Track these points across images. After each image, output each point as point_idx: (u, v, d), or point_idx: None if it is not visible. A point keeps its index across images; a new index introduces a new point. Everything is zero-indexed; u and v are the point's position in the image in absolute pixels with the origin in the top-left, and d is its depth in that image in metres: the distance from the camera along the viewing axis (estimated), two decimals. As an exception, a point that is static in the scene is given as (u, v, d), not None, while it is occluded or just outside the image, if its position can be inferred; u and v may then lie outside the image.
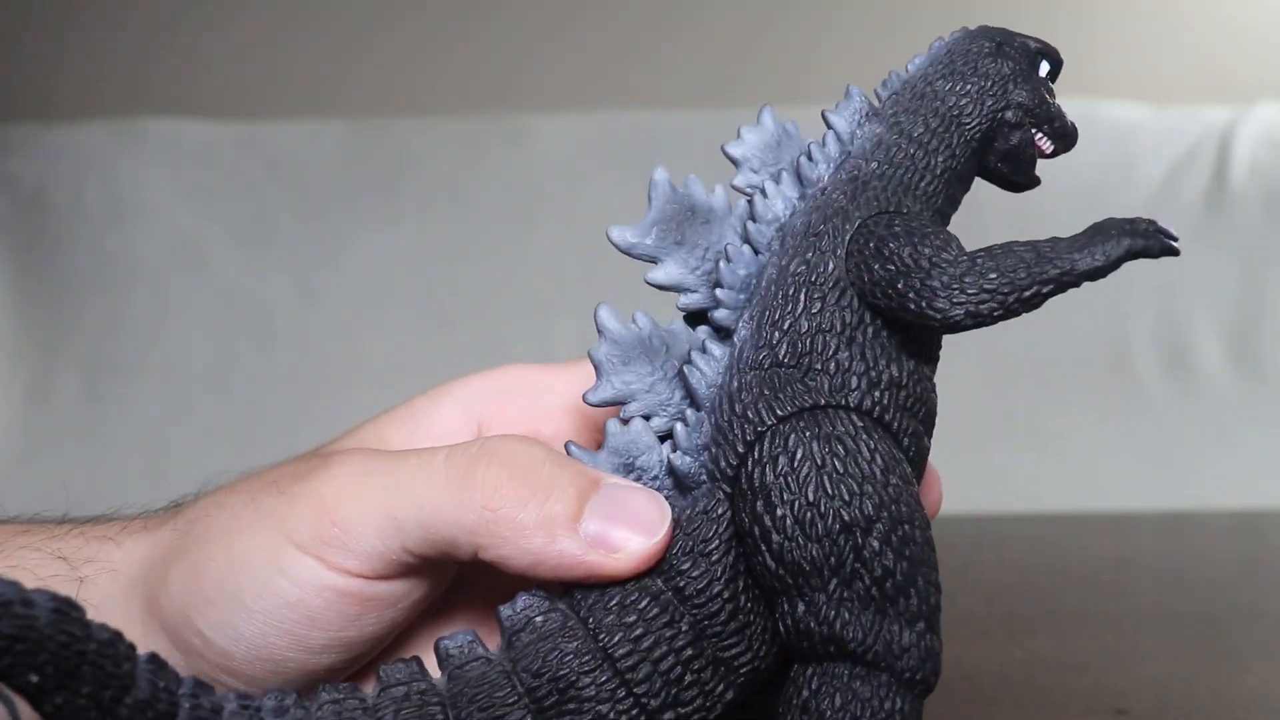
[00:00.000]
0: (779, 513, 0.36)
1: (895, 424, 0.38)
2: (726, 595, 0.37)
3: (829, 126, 0.40)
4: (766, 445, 0.36)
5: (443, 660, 0.37)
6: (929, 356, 0.39)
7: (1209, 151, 1.37)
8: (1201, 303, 1.32)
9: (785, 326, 0.38)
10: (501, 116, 1.45)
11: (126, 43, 1.56)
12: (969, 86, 0.41)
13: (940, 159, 0.40)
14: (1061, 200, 1.41)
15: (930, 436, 0.39)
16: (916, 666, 0.36)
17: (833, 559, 0.36)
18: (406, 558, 0.36)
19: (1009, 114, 0.42)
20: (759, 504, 0.36)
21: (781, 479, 0.36)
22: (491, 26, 1.54)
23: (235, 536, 0.37)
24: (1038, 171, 0.44)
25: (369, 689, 0.36)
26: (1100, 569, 0.82)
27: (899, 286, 0.37)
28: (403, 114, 1.48)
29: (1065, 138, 0.44)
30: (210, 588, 0.36)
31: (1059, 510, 1.00)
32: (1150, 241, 0.38)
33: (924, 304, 0.36)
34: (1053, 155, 0.44)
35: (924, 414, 0.39)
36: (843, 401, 0.37)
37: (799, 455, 0.36)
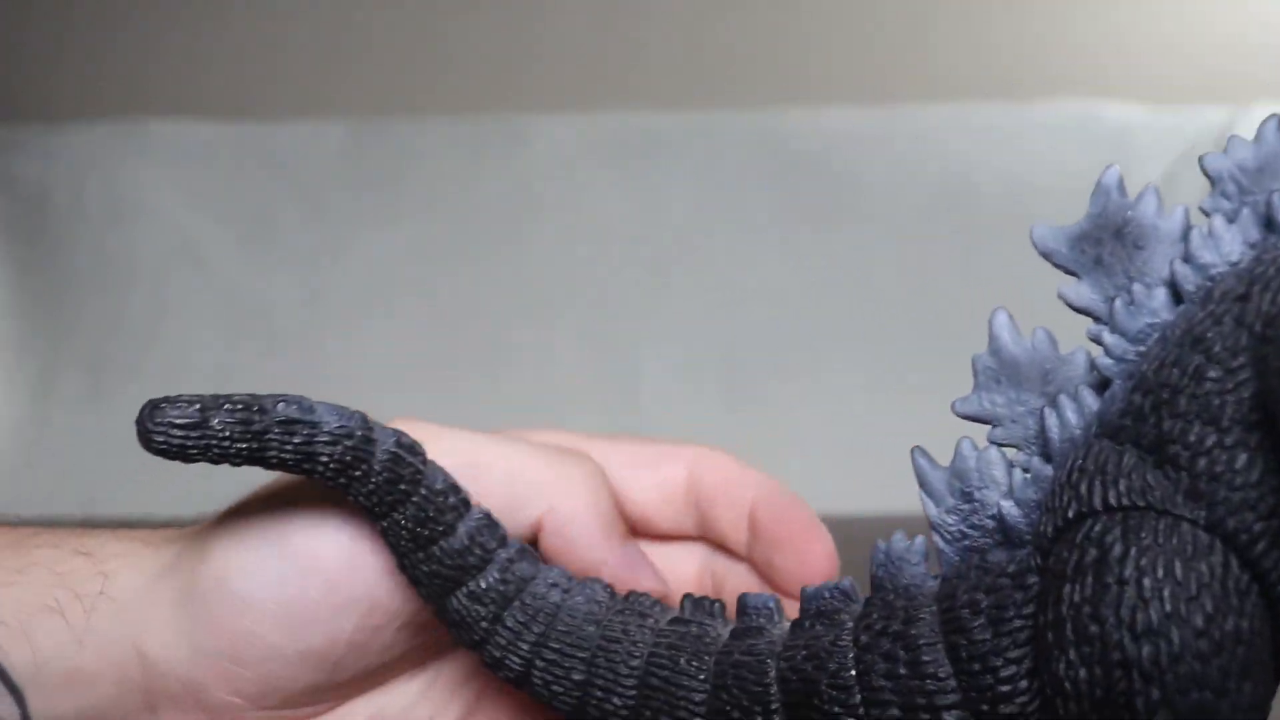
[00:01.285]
0: (1065, 615, 0.30)
1: (1272, 566, 0.29)
2: (1006, 675, 0.32)
3: None
4: (1080, 531, 0.31)
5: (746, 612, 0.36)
6: None
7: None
8: (1201, 303, 1.32)
9: (1159, 397, 0.31)
10: (501, 116, 1.45)
11: (127, 43, 1.56)
12: None
13: None
14: (1061, 200, 1.41)
15: None
16: None
17: (1099, 692, 0.29)
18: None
19: None
20: (1052, 594, 0.31)
21: (1080, 578, 0.30)
22: (491, 26, 1.55)
23: (281, 499, 0.37)
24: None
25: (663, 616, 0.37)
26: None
27: None
28: (403, 114, 1.49)
29: None
30: (253, 541, 0.37)
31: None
32: None
33: None
34: None
35: None
36: (1192, 514, 0.29)
37: (1109, 559, 0.30)
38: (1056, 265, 0.34)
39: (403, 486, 0.35)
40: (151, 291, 1.35)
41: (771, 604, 0.36)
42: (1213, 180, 0.33)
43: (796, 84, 1.49)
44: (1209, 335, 0.30)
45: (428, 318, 1.35)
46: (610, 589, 0.38)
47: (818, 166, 1.30)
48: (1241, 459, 0.29)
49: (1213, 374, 0.30)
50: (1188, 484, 0.30)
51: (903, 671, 0.33)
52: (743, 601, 0.37)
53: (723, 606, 0.37)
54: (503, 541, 0.37)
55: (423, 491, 0.36)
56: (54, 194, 1.41)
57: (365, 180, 1.41)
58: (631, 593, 0.38)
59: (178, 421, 0.34)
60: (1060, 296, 0.34)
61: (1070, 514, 0.31)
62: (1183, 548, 0.29)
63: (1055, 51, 1.39)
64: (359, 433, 0.35)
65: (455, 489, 0.36)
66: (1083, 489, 0.31)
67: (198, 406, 0.34)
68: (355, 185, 1.41)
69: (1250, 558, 0.29)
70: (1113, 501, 0.30)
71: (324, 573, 0.37)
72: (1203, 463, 0.30)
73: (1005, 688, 0.32)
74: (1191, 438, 0.30)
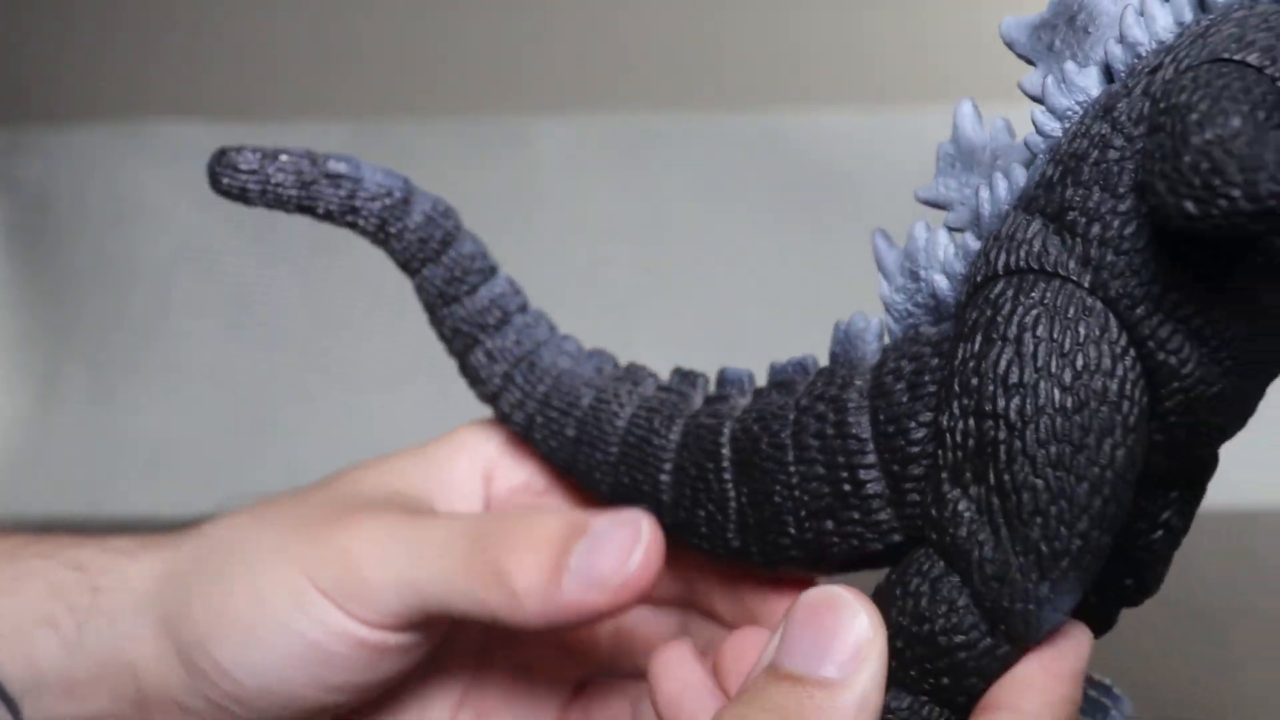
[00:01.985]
0: (954, 371, 0.31)
1: (1151, 332, 0.30)
2: (917, 436, 0.33)
3: None
4: (982, 294, 0.32)
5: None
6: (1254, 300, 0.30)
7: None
8: (1200, 303, 1.32)
9: (1068, 166, 0.31)
10: (502, 117, 1.45)
11: (128, 43, 1.56)
12: None
13: None
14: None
15: (1239, 382, 0.31)
16: (1002, 600, 0.31)
17: (971, 442, 0.31)
18: (424, 617, 0.37)
19: None
20: (951, 353, 0.32)
21: (972, 336, 0.31)
22: (491, 27, 1.55)
23: (260, 573, 0.37)
24: None
25: None
26: (1098, 568, 0.82)
27: (1150, 164, 0.28)
28: (403, 114, 1.49)
29: None
30: (231, 621, 0.37)
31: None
32: None
33: (1162, 187, 0.27)
34: None
35: (1220, 349, 0.30)
36: (1080, 277, 0.30)
37: (998, 317, 0.31)
38: (1018, 55, 0.34)
39: (434, 246, 0.40)
40: (153, 291, 1.35)
41: (745, 377, 0.39)
42: None
43: (797, 85, 1.49)
44: (1117, 105, 0.30)
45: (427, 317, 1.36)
46: (615, 362, 0.42)
47: (818, 167, 1.31)
48: (1131, 226, 0.30)
49: (1116, 142, 0.30)
50: (1080, 249, 0.30)
51: (829, 432, 0.35)
52: (722, 373, 0.40)
53: (707, 380, 0.40)
54: (523, 307, 0.42)
55: (452, 253, 0.41)
56: (55, 194, 1.41)
57: (366, 180, 1.41)
58: (631, 364, 0.41)
59: (241, 166, 0.38)
60: (1019, 87, 0.34)
61: (979, 279, 0.32)
62: (1065, 308, 0.30)
63: (1055, 52, 1.38)
64: (398, 194, 0.40)
65: (484, 255, 0.41)
66: (991, 255, 0.32)
67: (260, 155, 0.38)
68: (356, 185, 1.41)
69: (1130, 321, 0.30)
70: (1012, 265, 0.31)
71: (301, 664, 0.37)
72: (1095, 228, 0.30)
73: (914, 449, 0.33)
74: (1089, 204, 0.30)
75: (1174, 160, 0.26)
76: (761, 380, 0.39)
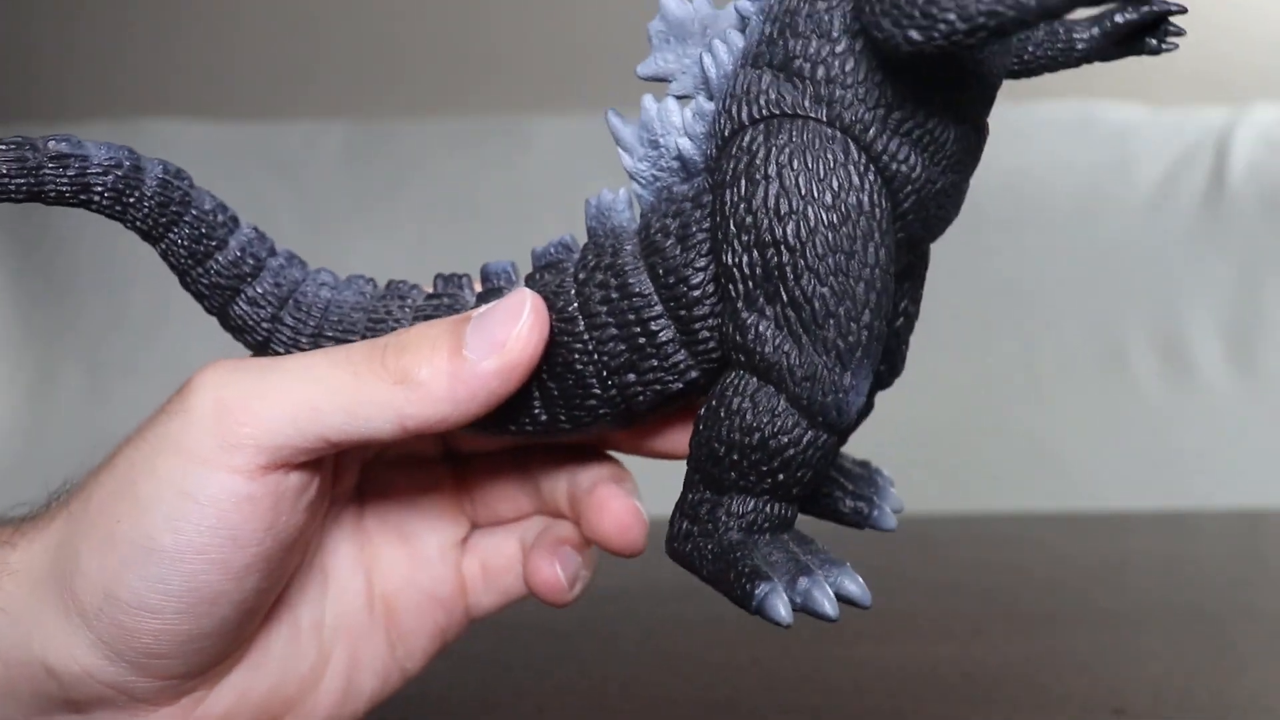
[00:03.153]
0: (728, 215, 0.36)
1: (883, 149, 0.35)
2: (696, 281, 0.37)
3: None
4: (734, 144, 0.36)
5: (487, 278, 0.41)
6: (955, 98, 0.36)
7: (1207, 152, 1.38)
8: (1199, 302, 1.32)
9: (784, 23, 0.36)
10: (502, 117, 1.45)
11: (127, 43, 1.56)
12: None
13: None
14: (1059, 201, 1.41)
15: (954, 178, 0.37)
16: (816, 396, 0.35)
17: (759, 271, 0.35)
18: (319, 445, 0.37)
19: None
20: (717, 201, 0.36)
21: (736, 182, 0.36)
22: (492, 27, 1.55)
23: (136, 485, 0.37)
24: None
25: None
26: (1098, 568, 0.82)
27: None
28: (404, 115, 1.49)
29: None
30: (126, 549, 0.36)
31: (1056, 510, 1.01)
32: None
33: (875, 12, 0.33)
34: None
35: (937, 153, 0.36)
36: (817, 113, 0.35)
37: (756, 161, 0.36)
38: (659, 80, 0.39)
39: (174, 208, 0.39)
40: (151, 291, 1.35)
41: (510, 268, 0.41)
42: None
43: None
44: None
45: (428, 318, 1.36)
46: (374, 282, 0.42)
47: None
48: (850, 63, 0.35)
49: None
50: (811, 90, 0.36)
51: (614, 296, 0.38)
52: (484, 269, 0.41)
53: (470, 279, 0.41)
54: (272, 251, 0.41)
55: (193, 211, 0.39)
56: (54, 194, 1.41)
57: (365, 181, 1.41)
58: (392, 280, 0.42)
59: None
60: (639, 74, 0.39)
61: (726, 133, 0.37)
62: (812, 141, 0.35)
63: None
64: (127, 163, 0.38)
65: (223, 208, 0.40)
66: (734, 110, 0.36)
67: None
68: (355, 186, 1.41)
69: (865, 143, 0.35)
70: (756, 114, 0.36)
71: (207, 554, 0.36)
72: (820, 70, 0.36)
73: (696, 292, 0.37)
74: (811, 50, 0.36)
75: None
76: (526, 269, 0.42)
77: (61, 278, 1.38)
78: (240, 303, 0.41)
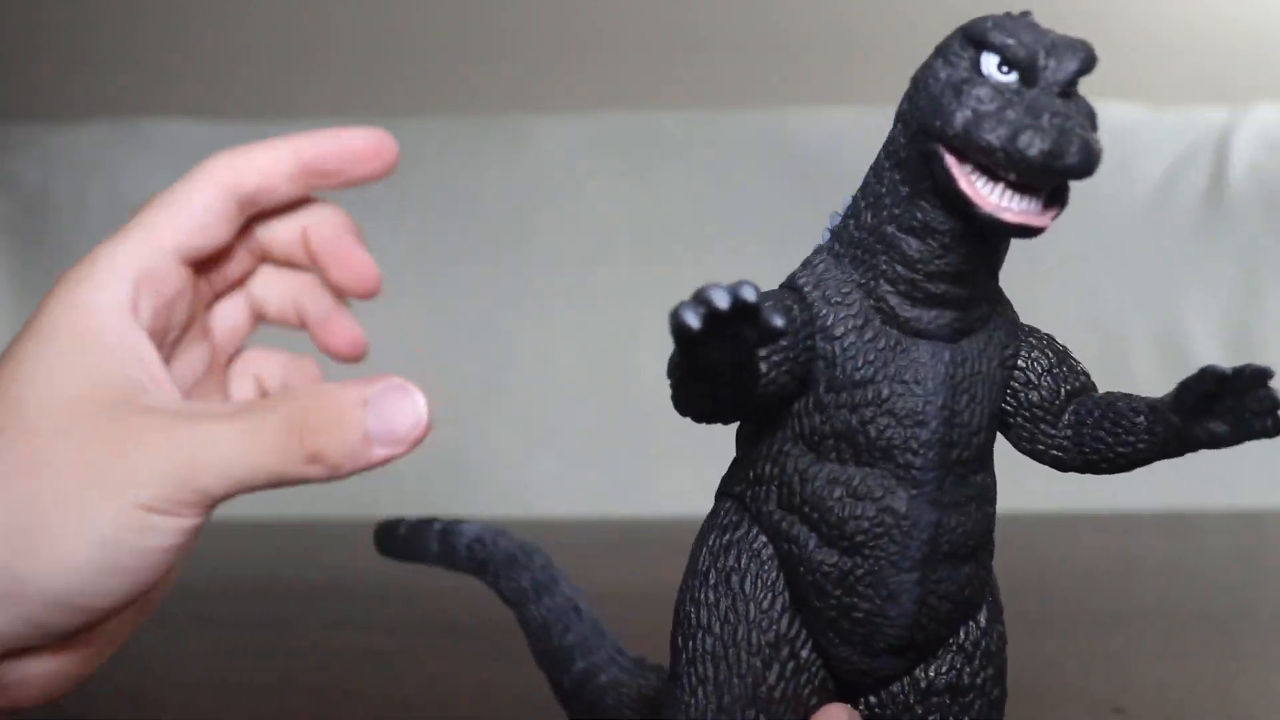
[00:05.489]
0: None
1: (757, 522, 0.40)
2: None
3: None
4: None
5: None
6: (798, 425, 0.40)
7: (1207, 152, 1.38)
8: (1199, 302, 1.32)
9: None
10: (502, 117, 1.45)
11: (128, 43, 1.56)
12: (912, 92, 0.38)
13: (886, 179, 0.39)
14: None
15: (888, 473, 0.39)
16: None
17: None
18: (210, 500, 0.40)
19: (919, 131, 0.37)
20: None
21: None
22: (492, 27, 1.55)
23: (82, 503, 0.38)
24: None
25: None
26: (1099, 568, 0.82)
27: None
28: (403, 113, 1.49)
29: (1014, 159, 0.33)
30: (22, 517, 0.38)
31: (1058, 510, 1.01)
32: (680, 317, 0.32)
33: None
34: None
35: (811, 511, 0.39)
36: (726, 488, 0.41)
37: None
38: None
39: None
40: (152, 291, 1.35)
41: None
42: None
43: (798, 84, 1.49)
44: None
45: (428, 317, 1.35)
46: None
47: (819, 166, 1.30)
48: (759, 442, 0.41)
49: None
50: (735, 469, 0.42)
51: None
52: None
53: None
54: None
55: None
56: (54, 194, 1.40)
57: (365, 180, 1.41)
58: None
59: None
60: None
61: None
62: (720, 518, 0.42)
63: (1055, 52, 1.38)
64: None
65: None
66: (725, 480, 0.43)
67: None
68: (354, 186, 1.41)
69: (755, 513, 0.41)
70: (723, 488, 0.43)
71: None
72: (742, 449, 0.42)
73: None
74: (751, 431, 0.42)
75: None
76: None
77: (62, 278, 1.38)
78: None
